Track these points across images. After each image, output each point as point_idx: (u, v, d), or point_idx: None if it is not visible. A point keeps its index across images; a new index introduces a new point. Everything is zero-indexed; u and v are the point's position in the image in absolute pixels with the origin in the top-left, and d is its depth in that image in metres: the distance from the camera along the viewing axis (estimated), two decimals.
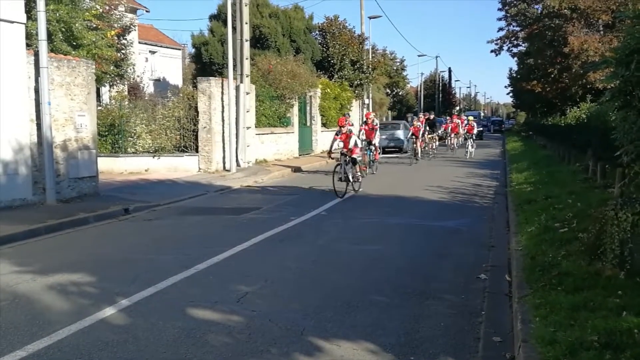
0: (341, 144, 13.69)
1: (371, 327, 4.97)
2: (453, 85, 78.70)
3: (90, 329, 4.92)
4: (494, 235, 8.91)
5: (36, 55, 11.06)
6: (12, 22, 10.65)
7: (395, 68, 56.52)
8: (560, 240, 7.04)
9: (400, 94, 63.06)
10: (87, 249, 7.92)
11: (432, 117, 28.39)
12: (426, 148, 25.77)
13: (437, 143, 28.81)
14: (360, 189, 13.63)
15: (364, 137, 17.56)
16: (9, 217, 9.73)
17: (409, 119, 23.48)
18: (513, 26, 35.05)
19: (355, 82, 32.16)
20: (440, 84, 68.45)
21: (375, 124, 18.68)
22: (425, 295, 5.87)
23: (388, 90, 55.95)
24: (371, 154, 18.15)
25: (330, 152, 13.76)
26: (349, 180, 13.07)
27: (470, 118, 28.01)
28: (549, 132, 27.50)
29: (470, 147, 26.16)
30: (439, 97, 65.63)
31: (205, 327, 4.93)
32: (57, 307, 5.47)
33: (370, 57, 34.94)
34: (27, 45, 11.34)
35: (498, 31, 36.64)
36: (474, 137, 27.87)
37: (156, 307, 5.51)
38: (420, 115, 27.58)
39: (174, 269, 6.74)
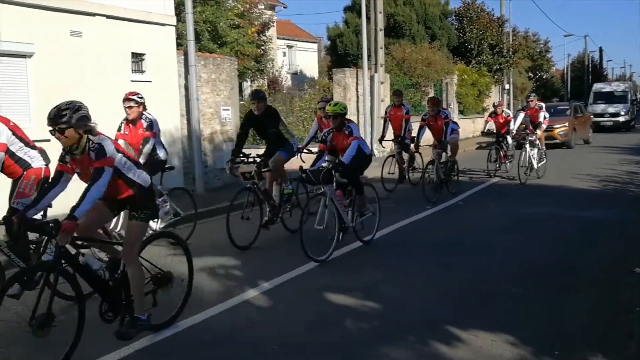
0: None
1: (510, 319, 4.80)
2: (605, 66, 72.64)
3: (236, 308, 5.27)
4: None
5: (185, 54, 11.92)
6: (164, 24, 11.55)
7: (538, 50, 53.35)
8: None
9: (544, 77, 59.47)
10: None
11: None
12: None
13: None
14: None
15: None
16: None
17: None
18: None
19: (495, 67, 30.84)
20: (590, 65, 63.43)
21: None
22: (569, 288, 5.55)
23: (530, 74, 53.00)
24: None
25: None
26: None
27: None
28: None
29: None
30: (589, 80, 60.91)
31: (341, 311, 5.07)
32: (207, 288, 5.90)
33: (511, 40, 33.33)
34: (178, 45, 12.26)
35: None
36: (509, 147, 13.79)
37: (295, 290, 5.76)
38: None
39: None
